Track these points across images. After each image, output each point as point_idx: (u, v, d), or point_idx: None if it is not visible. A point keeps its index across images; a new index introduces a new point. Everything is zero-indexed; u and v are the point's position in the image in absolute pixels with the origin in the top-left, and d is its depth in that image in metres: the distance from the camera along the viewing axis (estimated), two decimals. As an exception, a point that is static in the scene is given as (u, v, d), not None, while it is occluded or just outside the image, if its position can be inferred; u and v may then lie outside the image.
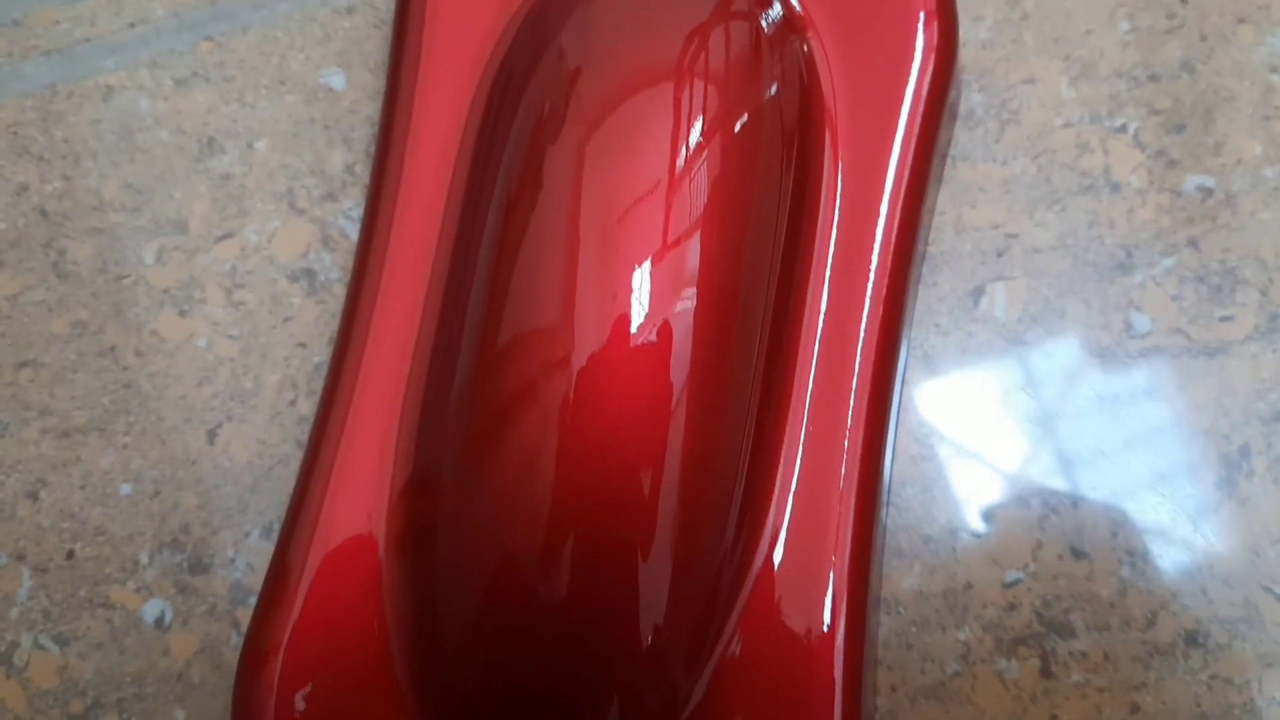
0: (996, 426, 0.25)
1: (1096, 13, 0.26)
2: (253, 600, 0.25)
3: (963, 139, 0.26)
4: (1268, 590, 0.24)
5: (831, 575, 0.23)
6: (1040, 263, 0.25)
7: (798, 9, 0.24)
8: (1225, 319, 0.25)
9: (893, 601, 0.24)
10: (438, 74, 0.25)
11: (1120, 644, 0.24)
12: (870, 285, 0.24)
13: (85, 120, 0.27)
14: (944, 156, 0.26)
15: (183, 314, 0.26)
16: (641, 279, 0.22)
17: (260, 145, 0.26)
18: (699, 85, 0.23)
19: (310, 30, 0.27)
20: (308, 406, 0.25)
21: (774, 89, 0.23)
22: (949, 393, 0.25)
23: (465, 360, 0.23)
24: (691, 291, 0.22)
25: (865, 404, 0.23)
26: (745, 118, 0.23)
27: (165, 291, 0.26)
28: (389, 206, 0.24)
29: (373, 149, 0.26)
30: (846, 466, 0.23)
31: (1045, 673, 0.24)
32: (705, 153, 0.22)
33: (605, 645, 0.22)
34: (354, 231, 0.26)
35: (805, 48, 0.24)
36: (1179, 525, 0.24)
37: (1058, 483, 0.25)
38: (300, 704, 0.22)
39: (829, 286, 0.23)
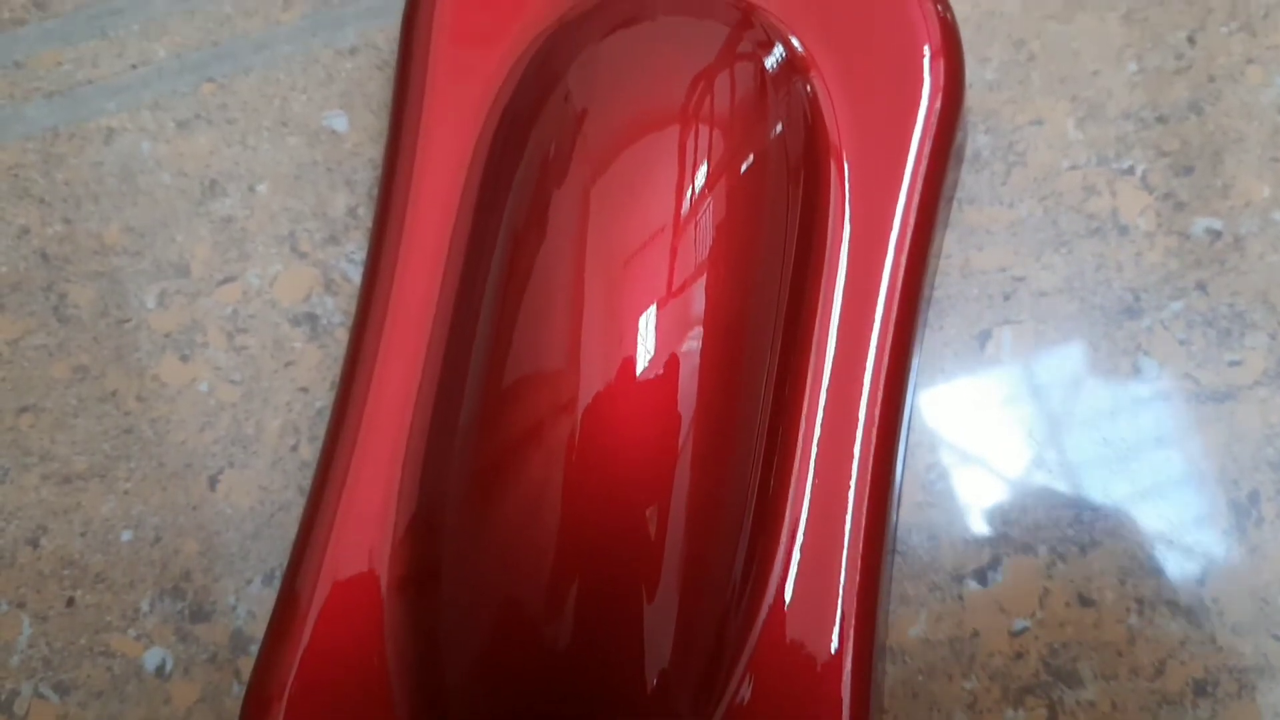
0: (1003, 473, 0.25)
1: (1104, 53, 0.26)
2: (254, 649, 0.25)
3: (969, 181, 0.26)
4: (1277, 639, 0.24)
5: (840, 617, 0.23)
6: (1047, 306, 0.25)
7: (799, 50, 0.24)
8: (1234, 363, 0.25)
9: (899, 650, 0.24)
10: (441, 116, 0.25)
11: (1128, 693, 0.24)
12: (876, 329, 0.24)
13: (87, 163, 0.27)
14: (950, 199, 0.26)
15: (184, 358, 0.26)
16: (647, 322, 0.22)
17: (262, 188, 0.27)
18: (704, 128, 0.23)
19: (313, 71, 0.27)
20: (310, 452, 0.25)
21: (779, 128, 0.23)
22: (956, 439, 0.25)
23: (470, 403, 0.23)
24: (697, 334, 0.22)
25: (872, 448, 0.23)
26: (751, 159, 0.23)
27: (167, 336, 0.26)
28: (392, 250, 0.25)
29: (375, 191, 0.26)
30: (854, 510, 0.23)
31: (1053, 723, 0.24)
32: (711, 196, 0.23)
33: (609, 689, 0.22)
34: (357, 275, 0.26)
35: (808, 88, 0.24)
36: (1187, 573, 0.24)
37: (1065, 530, 0.25)
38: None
39: (836, 331, 0.24)
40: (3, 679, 0.25)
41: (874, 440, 0.23)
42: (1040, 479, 0.25)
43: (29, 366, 0.26)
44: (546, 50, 0.24)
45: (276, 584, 0.25)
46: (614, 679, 0.22)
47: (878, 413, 0.23)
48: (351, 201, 0.27)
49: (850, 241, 0.24)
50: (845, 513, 0.23)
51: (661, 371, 0.22)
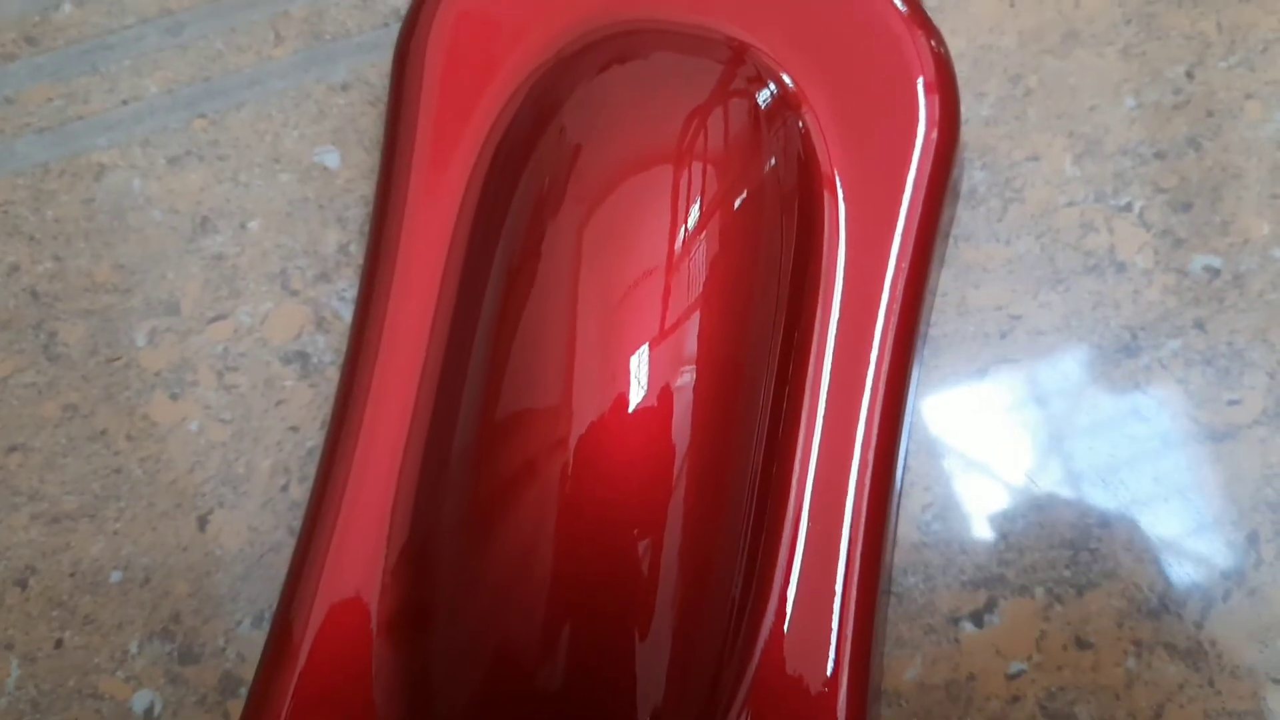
0: (999, 515, 0.25)
1: (1101, 88, 0.26)
2: (244, 691, 0.25)
3: (965, 218, 0.26)
4: (1276, 682, 0.24)
5: (835, 656, 0.23)
6: (1044, 345, 0.25)
7: (791, 86, 0.24)
8: (1233, 403, 0.25)
9: (894, 694, 0.24)
10: (433, 153, 0.25)
11: (1126, 738, 0.24)
12: (872, 366, 0.24)
13: (78, 199, 0.27)
14: (947, 235, 0.26)
15: (174, 397, 0.26)
16: (641, 358, 0.22)
17: (253, 225, 0.27)
18: (699, 165, 0.23)
19: (305, 107, 0.27)
20: (300, 492, 0.25)
21: (773, 162, 0.24)
22: (951, 477, 0.25)
23: (462, 441, 0.23)
24: (691, 371, 0.22)
25: (867, 485, 0.23)
26: (744, 196, 0.23)
27: (157, 374, 0.26)
28: (383, 288, 0.25)
29: (367, 228, 0.26)
30: (849, 546, 0.23)
31: (1049, 769, 0.24)
32: (705, 232, 0.23)
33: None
34: (348, 313, 0.26)
35: (801, 124, 0.24)
36: (1186, 615, 0.24)
37: (1062, 572, 0.25)
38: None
39: (831, 368, 0.24)
40: (-10, 722, 0.25)
41: (869, 477, 0.24)
42: (1037, 519, 0.25)
43: (18, 405, 0.26)
44: (541, 87, 0.25)
45: (266, 626, 0.25)
46: (608, 718, 0.22)
47: (873, 449, 0.24)
48: (343, 238, 0.27)
49: (845, 277, 0.24)
50: (841, 548, 0.23)
51: (655, 408, 0.22)
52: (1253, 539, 0.25)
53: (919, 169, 0.24)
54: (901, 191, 0.24)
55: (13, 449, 0.26)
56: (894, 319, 0.24)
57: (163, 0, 0.28)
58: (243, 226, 0.27)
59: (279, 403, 0.26)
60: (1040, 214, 0.26)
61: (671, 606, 0.22)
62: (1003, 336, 0.26)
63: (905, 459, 0.25)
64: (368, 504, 0.24)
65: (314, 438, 0.26)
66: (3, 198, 0.27)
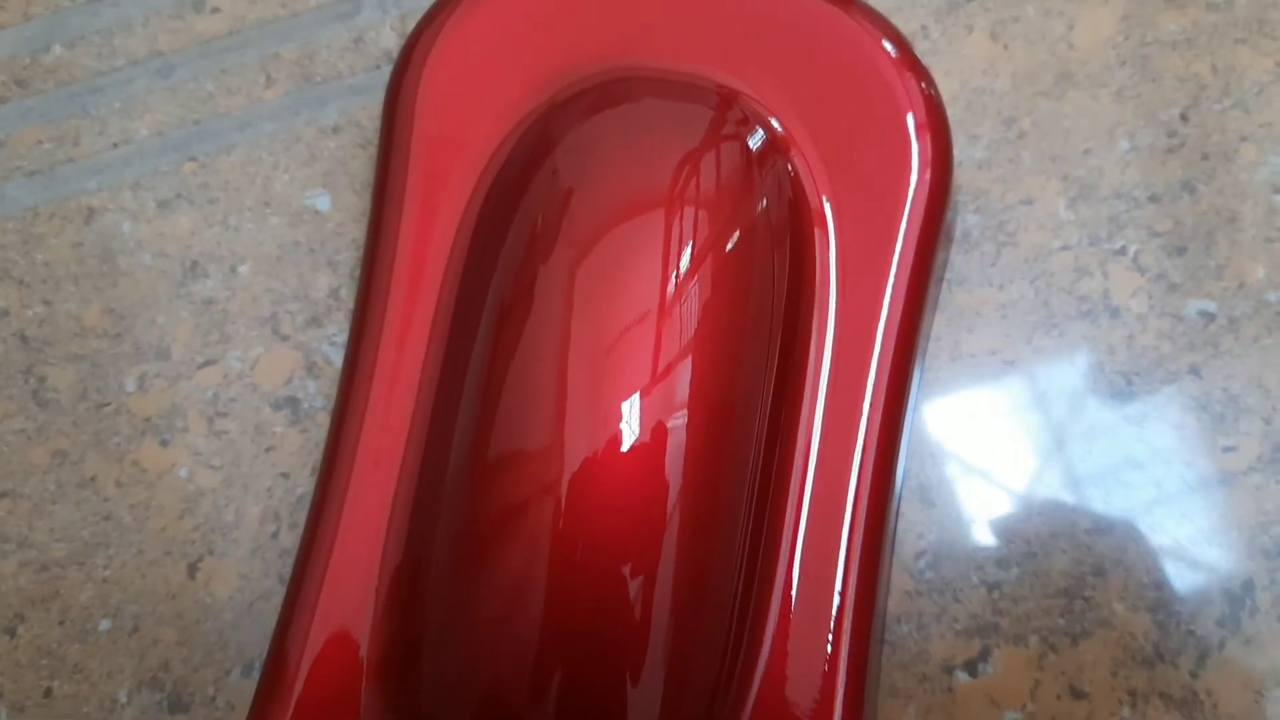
0: (993, 561, 0.25)
1: (1095, 131, 0.26)
2: (233, 742, 0.25)
3: (958, 262, 0.26)
4: (1273, 733, 0.24)
5: (830, 698, 0.23)
6: (1038, 390, 0.25)
7: (779, 130, 0.24)
8: (1228, 449, 0.25)
9: (887, 744, 0.24)
10: (424, 196, 0.25)
11: (1121, 789, 0.24)
12: (865, 413, 0.24)
13: (67, 243, 0.27)
14: (940, 280, 0.26)
15: (164, 443, 0.26)
16: (634, 401, 0.22)
17: (244, 269, 0.27)
18: (690, 210, 0.23)
19: (295, 150, 0.27)
20: (290, 539, 0.26)
21: (763, 204, 0.24)
22: (945, 526, 0.25)
23: (452, 486, 0.23)
24: (683, 413, 0.22)
25: (861, 532, 0.24)
26: (737, 238, 0.23)
27: (147, 420, 0.26)
28: (373, 333, 0.25)
29: (358, 272, 0.26)
30: (843, 592, 0.23)
31: (1043, 821, 0.24)
32: (697, 275, 0.23)
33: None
34: (338, 358, 0.26)
35: (790, 168, 0.24)
36: (1181, 664, 0.24)
37: (1056, 620, 0.25)
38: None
39: (824, 415, 0.24)
40: (-22, 773, 0.25)
41: (863, 523, 0.24)
42: (1031, 568, 0.25)
43: (7, 451, 0.26)
44: (532, 132, 0.25)
45: (256, 675, 0.25)
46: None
47: (866, 495, 0.24)
48: (334, 282, 0.27)
49: (838, 320, 0.24)
50: (835, 592, 0.23)
51: (647, 450, 0.22)
52: (1248, 587, 0.25)
53: (912, 210, 0.24)
54: (895, 233, 0.24)
55: (2, 496, 0.26)
56: (887, 362, 0.24)
57: (153, 42, 0.28)
58: (233, 270, 0.27)
59: (269, 449, 0.26)
60: (1034, 258, 0.26)
61: (664, 648, 0.22)
62: (996, 381, 0.26)
63: (899, 505, 0.25)
64: (358, 549, 0.24)
65: (304, 484, 0.26)
66: (-8, 241, 0.27)
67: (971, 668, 0.25)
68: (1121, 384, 0.26)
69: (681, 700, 0.22)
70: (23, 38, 0.28)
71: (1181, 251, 0.26)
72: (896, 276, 0.24)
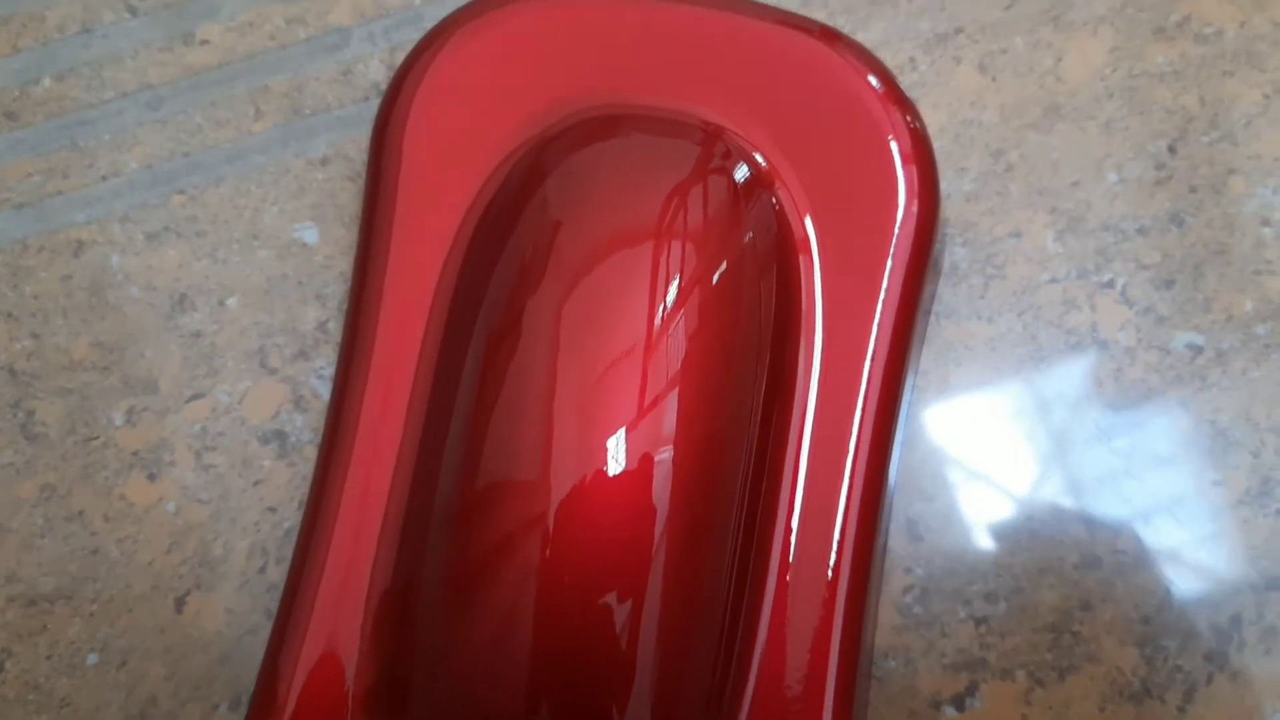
0: (980, 596, 0.25)
1: (1084, 163, 0.27)
2: (220, 778, 0.25)
3: (946, 295, 0.26)
4: (1260, 769, 0.24)
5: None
6: (1027, 423, 0.26)
7: (763, 164, 0.24)
8: (1216, 483, 0.25)
9: (874, 780, 0.25)
10: (411, 230, 0.25)
11: (1109, 825, 0.24)
12: (852, 448, 0.24)
13: (56, 276, 0.27)
14: (928, 313, 0.26)
15: (152, 477, 0.26)
16: (621, 433, 0.22)
17: (232, 302, 0.27)
18: (678, 242, 0.23)
19: (284, 183, 0.28)
20: (277, 574, 0.26)
21: (750, 235, 0.24)
22: (932, 560, 0.25)
23: (439, 521, 0.23)
24: (669, 449, 0.22)
25: (848, 570, 0.24)
26: (724, 268, 0.23)
27: (134, 454, 0.26)
28: (361, 366, 0.25)
29: (346, 305, 0.26)
30: (831, 626, 0.23)
31: None
32: (684, 309, 0.23)
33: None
34: (326, 391, 0.26)
35: (775, 201, 0.24)
36: (1168, 699, 0.25)
37: (1044, 654, 0.25)
38: None
39: (810, 451, 0.24)
40: (-34, 808, 0.25)
41: (850, 553, 0.24)
42: (1019, 602, 0.25)
43: (-5, 485, 0.27)
44: (520, 166, 0.25)
45: (244, 709, 0.25)
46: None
47: (854, 525, 0.24)
48: (322, 316, 0.27)
49: (824, 353, 0.24)
50: (824, 624, 0.23)
51: (635, 482, 0.22)
52: (1235, 621, 0.25)
53: (899, 243, 0.24)
54: (882, 266, 0.24)
55: (-10, 530, 0.27)
56: (874, 396, 0.24)
57: (142, 74, 0.28)
58: (221, 304, 0.27)
59: (256, 483, 0.26)
60: (1022, 291, 0.26)
61: (652, 678, 0.22)
62: (984, 415, 0.26)
63: (886, 539, 0.25)
64: (345, 581, 0.24)
65: (291, 518, 0.26)
66: (-19, 274, 0.28)
67: (959, 703, 0.25)
68: (1110, 417, 0.26)
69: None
70: (12, 70, 0.28)
71: (1169, 284, 0.26)
72: (883, 309, 0.24)
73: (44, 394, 0.27)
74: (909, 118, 0.25)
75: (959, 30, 0.27)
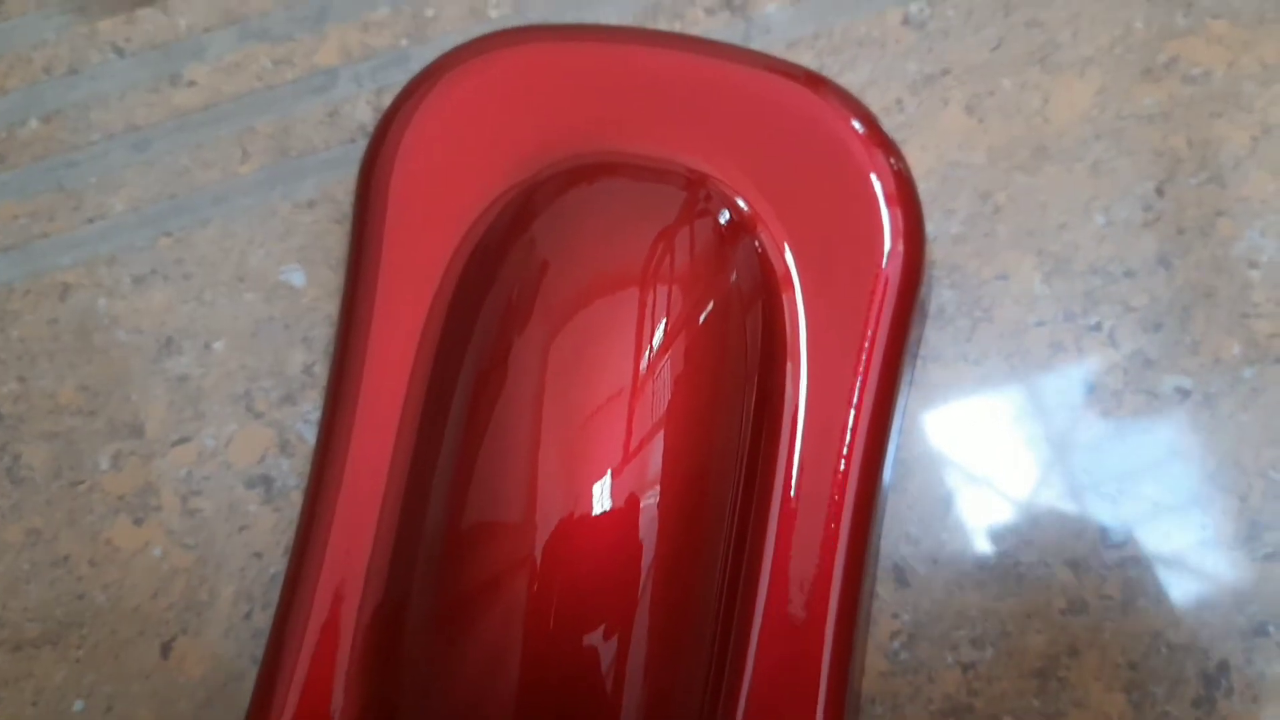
0: (968, 641, 0.25)
1: (1071, 205, 0.27)
2: (205, 826, 0.25)
3: (933, 338, 0.26)
4: (1248, 817, 0.24)
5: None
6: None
7: (745, 209, 0.24)
8: (1204, 527, 0.25)
9: (860, 828, 0.25)
10: (397, 273, 0.25)
11: None
12: (839, 495, 0.24)
13: (42, 319, 0.27)
14: (915, 356, 0.26)
15: (138, 522, 0.26)
16: (607, 475, 0.22)
17: (218, 345, 0.27)
18: (663, 286, 0.24)
19: (270, 225, 0.28)
20: (263, 619, 0.26)
21: (734, 277, 0.24)
22: (920, 605, 0.25)
23: (427, 562, 0.23)
24: (656, 490, 0.22)
25: (835, 610, 0.24)
26: (710, 309, 0.24)
27: (120, 498, 0.27)
28: (347, 411, 0.25)
29: (332, 349, 0.26)
30: (818, 665, 0.24)
31: None
32: (671, 351, 0.23)
33: None
34: (312, 435, 0.27)
35: (758, 244, 0.24)
36: (1156, 747, 0.25)
37: (1030, 701, 0.25)
38: None
39: (797, 494, 0.24)
40: None
41: (836, 607, 0.24)
42: (1006, 647, 0.25)
43: (-19, 530, 0.27)
44: (506, 211, 0.25)
45: (229, 756, 0.25)
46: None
47: (841, 569, 0.24)
48: (308, 359, 0.27)
49: (809, 400, 0.24)
50: (805, 664, 0.24)
51: (621, 524, 0.23)
52: (1223, 668, 0.25)
53: (885, 284, 0.25)
54: (867, 309, 0.25)
55: (-25, 575, 0.27)
56: (861, 438, 0.24)
57: (129, 116, 0.28)
58: (207, 347, 0.27)
59: (242, 528, 0.27)
60: (1009, 334, 0.27)
61: (640, 716, 0.22)
62: (971, 456, 0.26)
63: (874, 584, 0.26)
64: (331, 625, 0.24)
65: (277, 564, 0.26)
66: (-33, 317, 0.28)
67: (946, 750, 0.25)
68: (1096, 460, 0.26)
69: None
70: (-1, 111, 0.29)
71: (1158, 327, 0.26)
72: (869, 351, 0.25)
73: (30, 438, 0.27)
74: (892, 160, 0.25)
75: (946, 72, 0.28)
